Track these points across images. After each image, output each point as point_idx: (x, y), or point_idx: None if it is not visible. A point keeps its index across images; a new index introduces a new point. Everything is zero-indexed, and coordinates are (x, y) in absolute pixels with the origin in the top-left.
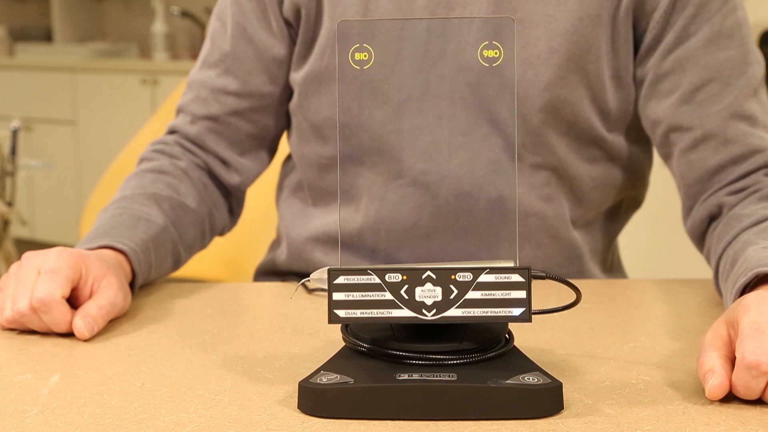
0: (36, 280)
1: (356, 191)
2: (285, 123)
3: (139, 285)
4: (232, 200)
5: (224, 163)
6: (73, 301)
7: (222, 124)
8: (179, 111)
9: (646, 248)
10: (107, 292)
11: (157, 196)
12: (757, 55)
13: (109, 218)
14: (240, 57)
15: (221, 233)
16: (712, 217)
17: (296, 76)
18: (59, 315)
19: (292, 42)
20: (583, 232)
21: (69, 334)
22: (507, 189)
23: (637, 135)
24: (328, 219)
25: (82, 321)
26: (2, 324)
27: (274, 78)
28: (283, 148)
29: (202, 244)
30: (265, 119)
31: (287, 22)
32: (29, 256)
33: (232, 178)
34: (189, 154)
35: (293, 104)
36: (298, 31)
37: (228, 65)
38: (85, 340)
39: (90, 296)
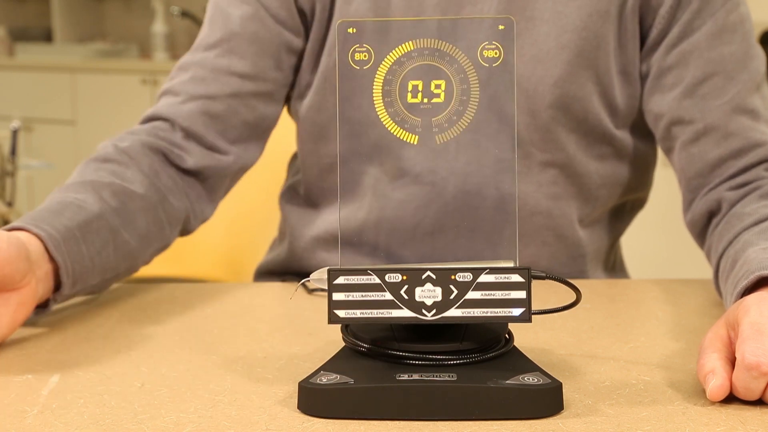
0: None
1: (361, 190)
2: (278, 117)
3: (71, 274)
4: (207, 186)
5: (211, 148)
6: None
7: (220, 105)
8: (164, 94)
9: (649, 249)
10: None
11: (95, 184)
12: (759, 50)
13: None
14: (250, 37)
15: (192, 223)
16: (712, 213)
17: (312, 77)
18: None
19: (305, 37)
20: (588, 231)
21: (69, 335)
22: (513, 187)
23: (642, 132)
24: (332, 218)
25: None
26: None
27: (280, 64)
28: (289, 147)
29: (162, 233)
30: (262, 107)
31: (301, 14)
32: None
33: (218, 162)
34: (155, 138)
35: (307, 103)
36: (311, 27)
37: (234, 45)
38: (85, 340)
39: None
